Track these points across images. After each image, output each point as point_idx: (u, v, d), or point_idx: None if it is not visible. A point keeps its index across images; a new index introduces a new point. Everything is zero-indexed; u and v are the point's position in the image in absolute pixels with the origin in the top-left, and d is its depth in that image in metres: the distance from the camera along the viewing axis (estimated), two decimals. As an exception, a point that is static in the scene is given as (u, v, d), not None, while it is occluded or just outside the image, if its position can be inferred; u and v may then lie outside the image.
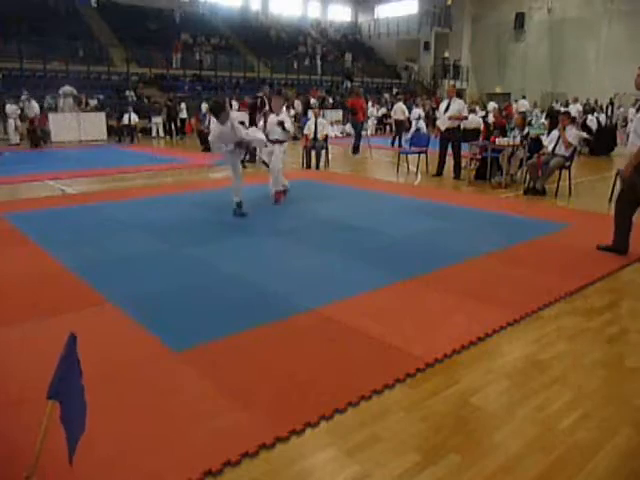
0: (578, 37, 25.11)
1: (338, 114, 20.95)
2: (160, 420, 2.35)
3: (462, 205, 7.13)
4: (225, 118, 5.95)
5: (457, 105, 9.43)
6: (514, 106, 19.95)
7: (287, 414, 2.39)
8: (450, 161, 9.67)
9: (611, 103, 21.76)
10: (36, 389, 2.60)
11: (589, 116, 14.35)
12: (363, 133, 13.64)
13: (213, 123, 6.24)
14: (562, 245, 5.16)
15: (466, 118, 9.87)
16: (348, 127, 20.42)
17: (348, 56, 28.95)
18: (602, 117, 15.92)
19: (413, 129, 14.71)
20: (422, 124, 14.99)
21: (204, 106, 15.15)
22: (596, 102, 20.28)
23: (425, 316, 3.49)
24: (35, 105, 15.51)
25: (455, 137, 9.50)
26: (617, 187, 4.75)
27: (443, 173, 9.77)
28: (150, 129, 18.31)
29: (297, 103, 19.87)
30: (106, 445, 2.18)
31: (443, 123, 9.46)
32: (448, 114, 9.36)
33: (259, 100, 10.61)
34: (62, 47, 19.81)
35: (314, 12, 33.22)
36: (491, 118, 12.86)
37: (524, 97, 22.98)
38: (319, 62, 27.65)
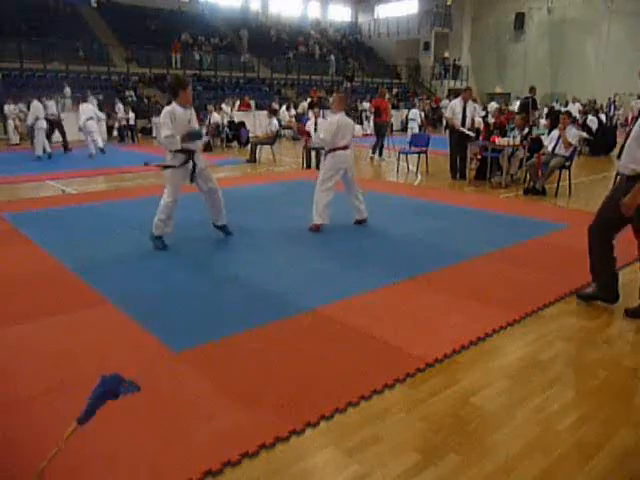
0: (578, 37, 25.10)
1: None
2: (160, 420, 2.35)
3: (462, 205, 7.13)
4: (186, 100, 4.75)
5: (471, 108, 9.28)
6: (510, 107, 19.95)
7: (287, 414, 2.39)
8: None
9: (613, 102, 21.75)
10: (36, 389, 2.60)
11: (589, 116, 14.34)
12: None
13: (166, 116, 4.66)
14: (562, 245, 5.15)
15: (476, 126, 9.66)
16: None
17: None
18: (602, 117, 15.91)
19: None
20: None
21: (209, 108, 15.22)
22: (595, 102, 20.29)
23: (425, 316, 3.49)
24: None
25: (468, 138, 9.22)
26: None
27: (457, 174, 9.50)
28: (150, 129, 18.31)
29: (302, 106, 19.82)
30: (106, 445, 2.18)
31: (465, 126, 9.20)
32: (468, 121, 9.15)
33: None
34: (62, 47, 19.81)
35: (314, 12, 33.21)
36: (491, 118, 12.85)
37: (518, 98, 23.01)
38: (333, 61, 27.75)
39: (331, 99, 5.79)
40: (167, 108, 4.72)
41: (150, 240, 4.92)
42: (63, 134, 13.25)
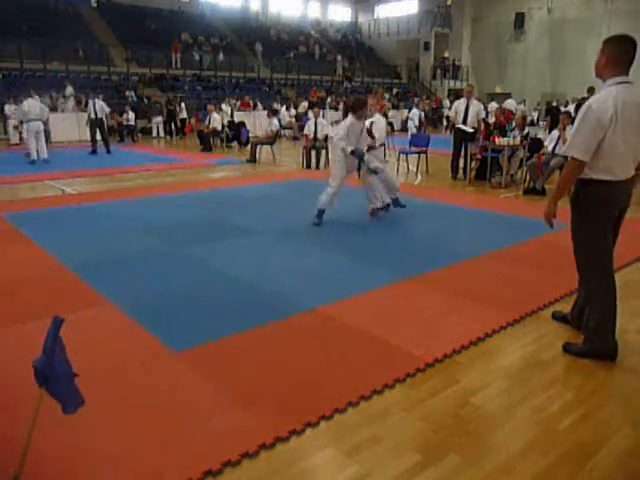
0: (578, 37, 25.08)
1: (338, 114, 20.97)
2: (160, 420, 2.35)
3: (462, 205, 7.13)
4: (362, 115, 5.80)
5: (476, 107, 9.22)
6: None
7: (287, 414, 2.39)
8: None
9: None
10: (37, 388, 2.60)
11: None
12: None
13: (345, 129, 5.72)
14: (562, 245, 5.13)
15: (480, 124, 9.55)
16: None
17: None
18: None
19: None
20: None
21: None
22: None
23: (425, 316, 3.49)
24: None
25: (472, 138, 9.17)
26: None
27: (459, 174, 9.50)
28: (150, 129, 18.32)
29: (303, 105, 19.82)
30: (106, 445, 2.18)
31: (467, 125, 9.10)
32: (471, 119, 9.07)
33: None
34: (62, 47, 19.81)
35: (314, 12, 33.22)
36: (491, 118, 12.82)
37: (510, 96, 23.06)
38: (340, 62, 27.81)
39: (370, 101, 6.50)
40: (347, 122, 5.78)
41: (316, 217, 5.85)
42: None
